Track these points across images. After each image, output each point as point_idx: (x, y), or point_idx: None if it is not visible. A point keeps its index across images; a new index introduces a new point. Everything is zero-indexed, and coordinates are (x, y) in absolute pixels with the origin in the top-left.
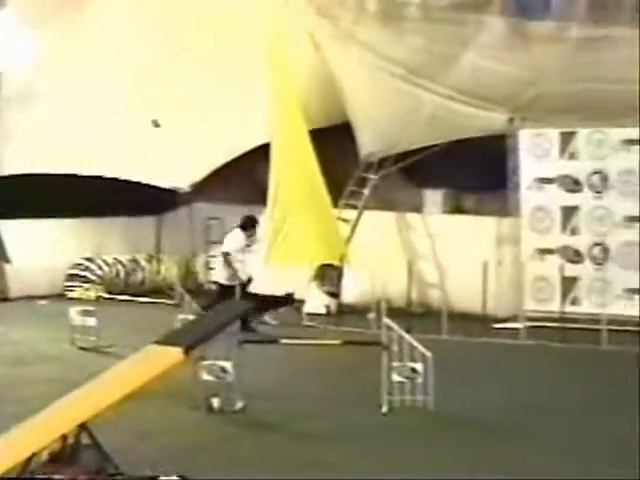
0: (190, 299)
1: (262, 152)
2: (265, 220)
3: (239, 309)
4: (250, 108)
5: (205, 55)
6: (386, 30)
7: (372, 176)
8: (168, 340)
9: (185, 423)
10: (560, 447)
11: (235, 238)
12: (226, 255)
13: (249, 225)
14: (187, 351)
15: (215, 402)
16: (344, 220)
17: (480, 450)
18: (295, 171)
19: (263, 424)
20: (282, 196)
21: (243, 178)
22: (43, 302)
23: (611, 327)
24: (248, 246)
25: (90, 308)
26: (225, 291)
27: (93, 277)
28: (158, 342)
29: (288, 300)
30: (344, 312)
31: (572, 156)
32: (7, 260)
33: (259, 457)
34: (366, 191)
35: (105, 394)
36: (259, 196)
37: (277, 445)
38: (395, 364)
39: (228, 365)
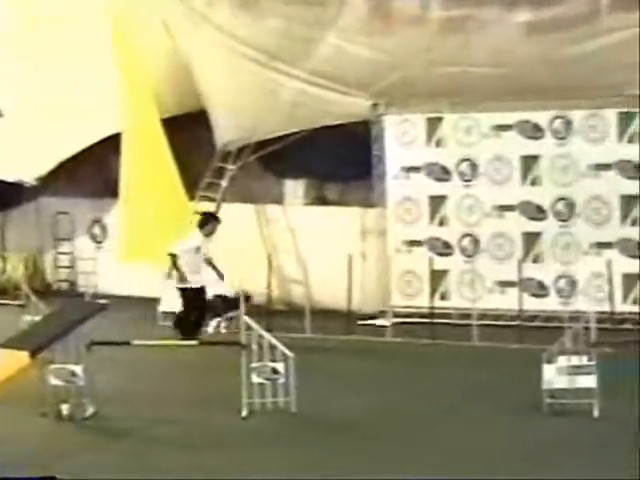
0: (37, 300)
1: (113, 143)
2: (117, 215)
3: (87, 310)
4: (99, 97)
5: (52, 42)
6: (242, 12)
7: (230, 166)
8: (13, 343)
9: (32, 431)
10: (424, 448)
11: (189, 239)
12: (172, 256)
13: (206, 222)
14: (33, 354)
15: (64, 408)
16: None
17: (345, 453)
18: (148, 162)
19: (115, 431)
20: (134, 189)
21: (93, 171)
22: None
23: (482, 322)
24: (198, 248)
25: None
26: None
27: None
28: (2, 345)
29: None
30: None
31: (439, 143)
32: None
33: (110, 467)
34: (224, 182)
35: None
36: (110, 190)
37: (130, 453)
38: (255, 365)
39: (78, 369)
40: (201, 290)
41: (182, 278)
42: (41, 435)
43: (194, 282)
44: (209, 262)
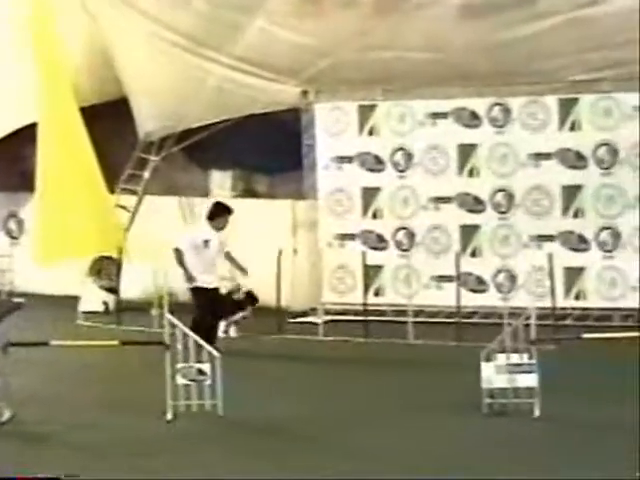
0: None
1: (29, 133)
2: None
3: (2, 309)
4: (14, 85)
5: None
6: None
7: (152, 157)
8: None
9: None
10: (353, 450)
11: (196, 231)
12: (177, 252)
13: (217, 214)
14: None
15: None
16: (122, 207)
17: (274, 457)
18: (65, 154)
19: (34, 435)
20: (51, 182)
21: (8, 163)
22: None
23: (418, 319)
24: (207, 242)
25: None
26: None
27: None
28: None
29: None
30: (124, 309)
31: (372, 132)
32: None
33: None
34: (146, 174)
35: None
36: (25, 183)
37: (49, 459)
38: (180, 365)
39: None
40: (214, 290)
41: (189, 277)
42: None
43: (204, 282)
44: (229, 257)
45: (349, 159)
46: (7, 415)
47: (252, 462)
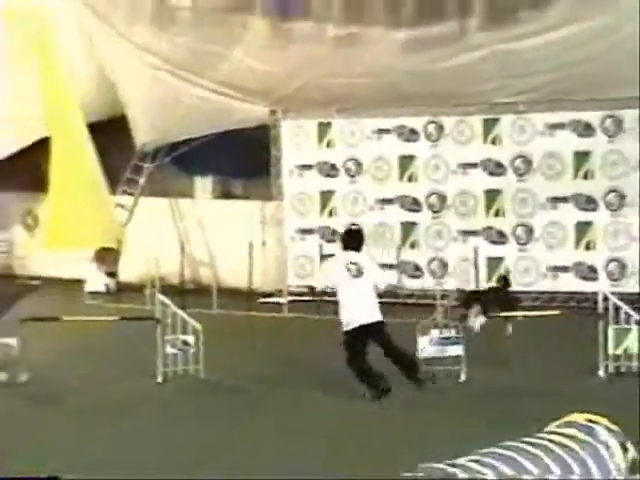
0: None
1: (44, 145)
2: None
3: (21, 291)
4: (32, 104)
5: None
6: (159, 31)
7: (147, 165)
8: None
9: None
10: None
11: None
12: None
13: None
14: None
15: (1, 376)
16: (121, 206)
17: (242, 411)
18: (73, 161)
19: (46, 395)
20: (61, 184)
21: (27, 168)
22: None
23: None
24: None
25: None
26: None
27: None
28: None
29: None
30: (122, 290)
31: (329, 144)
32: None
33: (40, 428)
34: (142, 179)
35: None
36: (40, 185)
37: (59, 415)
38: (169, 337)
39: (13, 341)
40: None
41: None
42: None
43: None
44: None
45: (309, 167)
46: (24, 377)
47: (226, 416)
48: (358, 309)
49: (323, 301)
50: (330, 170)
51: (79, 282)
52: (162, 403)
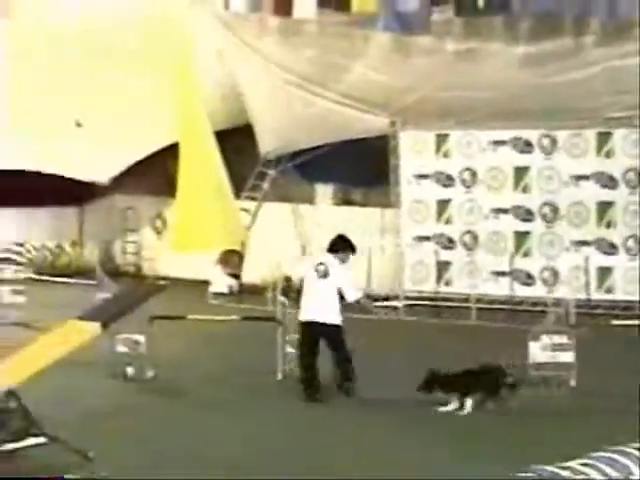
0: (109, 280)
1: (173, 150)
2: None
3: (149, 290)
4: (162, 112)
5: (122, 64)
6: (286, 44)
7: (271, 171)
8: (88, 316)
9: (103, 390)
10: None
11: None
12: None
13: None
14: (105, 325)
15: (129, 371)
16: (245, 210)
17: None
18: (201, 167)
19: (171, 391)
20: (189, 189)
21: (156, 173)
22: None
23: (479, 305)
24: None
25: (20, 287)
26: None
27: (23, 260)
28: (79, 317)
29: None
30: (245, 292)
31: (446, 155)
32: None
33: (167, 421)
34: (265, 185)
35: (31, 363)
36: (169, 189)
37: (184, 410)
38: (288, 337)
39: (141, 338)
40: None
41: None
42: (109, 392)
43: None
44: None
45: (426, 176)
46: (150, 374)
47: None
48: (312, 306)
49: (439, 306)
50: (446, 180)
51: (204, 283)
52: (282, 399)
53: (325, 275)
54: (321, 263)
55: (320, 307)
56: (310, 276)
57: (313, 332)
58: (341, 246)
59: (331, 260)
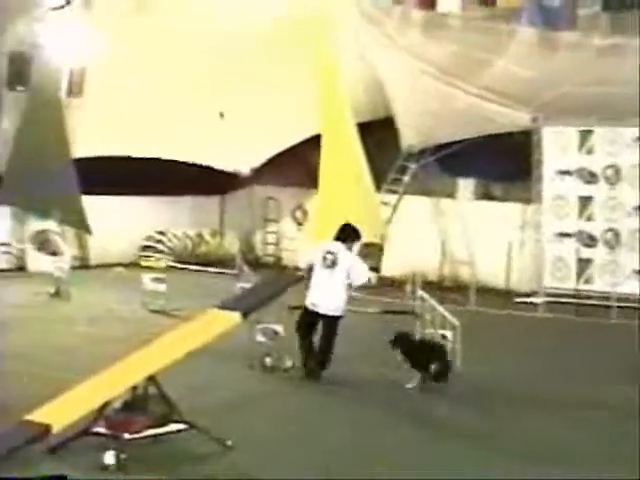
0: (249, 270)
1: (313, 142)
2: (315, 203)
3: (289, 281)
4: (303, 104)
5: (265, 58)
6: (428, 37)
7: (412, 165)
8: (228, 305)
9: (241, 379)
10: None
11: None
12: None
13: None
14: (244, 315)
15: (268, 361)
16: (385, 203)
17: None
18: (342, 159)
19: (308, 380)
20: (330, 181)
21: (297, 164)
22: (119, 269)
23: (620, 304)
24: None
25: (161, 275)
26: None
27: (164, 248)
28: (219, 306)
29: None
30: (384, 284)
31: (589, 151)
32: (89, 231)
33: (304, 410)
34: (406, 178)
35: (171, 350)
36: (310, 181)
37: (318, 398)
38: (427, 331)
39: (280, 328)
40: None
41: None
42: (248, 381)
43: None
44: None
45: (569, 172)
46: (289, 363)
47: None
48: (317, 296)
49: (580, 304)
50: (589, 176)
51: None
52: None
53: (333, 264)
54: (330, 252)
55: (324, 298)
56: (316, 265)
57: (312, 318)
58: (349, 234)
59: (340, 247)
